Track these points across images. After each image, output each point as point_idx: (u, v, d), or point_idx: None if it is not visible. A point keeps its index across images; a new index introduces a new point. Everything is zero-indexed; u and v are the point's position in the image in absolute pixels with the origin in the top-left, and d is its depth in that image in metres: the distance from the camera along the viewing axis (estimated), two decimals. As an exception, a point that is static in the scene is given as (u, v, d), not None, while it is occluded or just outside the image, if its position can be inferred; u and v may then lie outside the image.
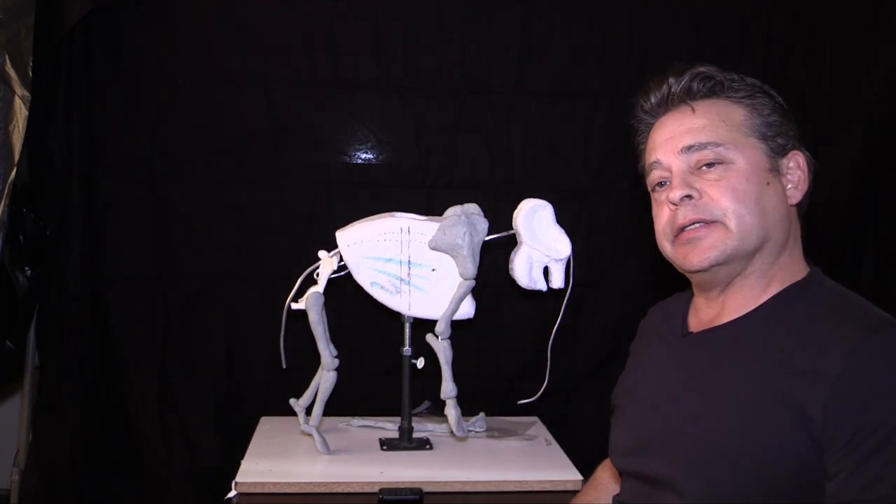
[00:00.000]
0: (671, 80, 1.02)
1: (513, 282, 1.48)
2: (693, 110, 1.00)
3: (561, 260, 1.47)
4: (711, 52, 2.05)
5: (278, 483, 1.49)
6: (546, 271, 1.49)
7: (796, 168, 0.99)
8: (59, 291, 1.91)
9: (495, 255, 1.81)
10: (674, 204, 0.98)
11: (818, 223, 2.08)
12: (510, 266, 1.48)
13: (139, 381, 2.00)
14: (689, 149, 0.98)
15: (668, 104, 1.03)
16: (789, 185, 0.98)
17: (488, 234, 1.54)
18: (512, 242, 1.50)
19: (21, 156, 1.68)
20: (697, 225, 0.96)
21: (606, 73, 2.04)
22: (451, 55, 2.01)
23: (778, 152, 0.98)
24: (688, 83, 1.01)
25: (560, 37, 2.02)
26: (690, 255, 0.98)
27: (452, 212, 1.53)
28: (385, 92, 2.01)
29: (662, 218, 1.02)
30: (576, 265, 1.47)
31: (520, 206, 1.48)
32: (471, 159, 2.04)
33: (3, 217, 1.66)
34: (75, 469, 1.94)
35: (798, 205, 1.00)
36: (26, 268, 1.82)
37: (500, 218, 1.58)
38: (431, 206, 1.98)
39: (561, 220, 1.49)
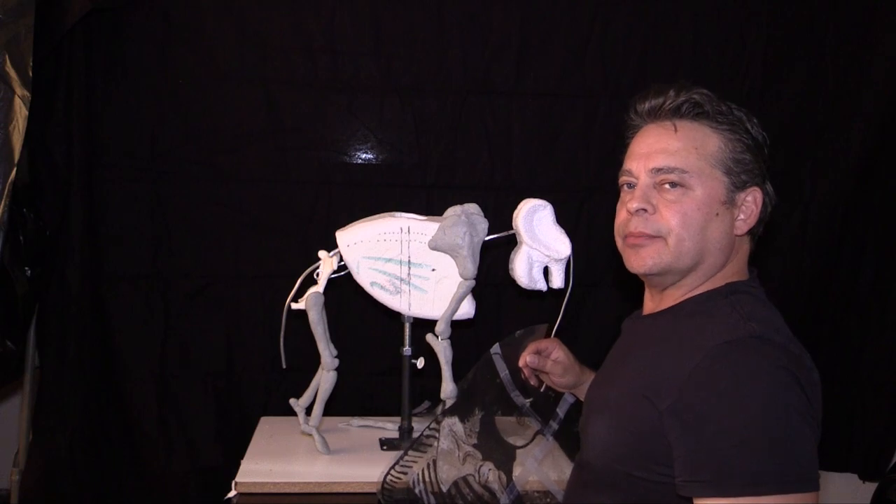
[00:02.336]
0: (669, 94, 1.11)
1: (513, 282, 1.48)
2: (675, 129, 1.09)
3: (561, 260, 1.47)
4: (711, 52, 2.05)
5: (278, 483, 1.49)
6: (546, 271, 1.49)
7: (752, 203, 1.08)
8: (59, 291, 1.91)
9: (495, 255, 1.81)
10: (630, 212, 1.10)
11: (818, 223, 2.10)
12: (510, 266, 1.48)
13: (139, 380, 2.00)
14: (658, 170, 1.08)
15: (656, 116, 1.12)
16: (740, 217, 1.08)
17: (488, 234, 1.54)
18: (512, 242, 1.50)
19: (21, 156, 1.68)
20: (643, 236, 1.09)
21: (606, 73, 2.04)
22: (451, 55, 2.01)
23: (739, 186, 1.07)
24: (679, 104, 1.10)
25: (560, 37, 2.02)
26: (632, 259, 1.11)
27: (452, 212, 1.53)
28: (385, 92, 2.01)
29: (620, 216, 1.15)
30: (576, 265, 1.47)
31: (520, 206, 1.48)
32: (471, 159, 2.04)
33: (3, 217, 1.66)
34: (75, 469, 1.94)
35: (750, 232, 1.10)
36: (26, 268, 1.82)
37: (500, 218, 1.58)
38: (431, 206, 1.98)
39: (561, 220, 1.49)
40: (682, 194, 1.06)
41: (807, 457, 0.91)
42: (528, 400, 1.40)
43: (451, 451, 1.35)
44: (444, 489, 1.33)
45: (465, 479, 1.34)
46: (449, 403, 1.53)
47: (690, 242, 1.06)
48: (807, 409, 0.92)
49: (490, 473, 1.34)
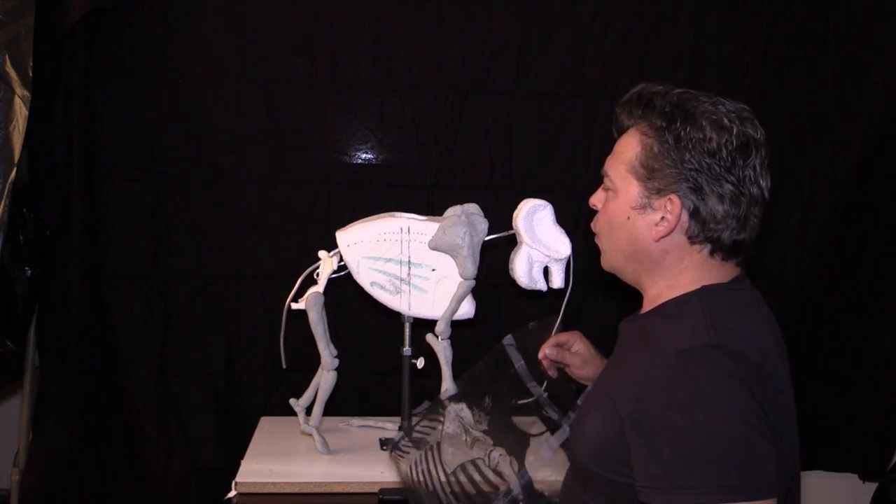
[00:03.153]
0: (622, 100, 1.13)
1: (513, 282, 1.48)
2: (618, 135, 1.14)
3: (561, 260, 1.47)
4: (711, 52, 2.05)
5: (278, 483, 1.49)
6: (546, 271, 1.49)
7: (667, 211, 1.04)
8: (59, 291, 1.91)
9: (495, 255, 1.81)
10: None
11: (818, 223, 2.10)
12: (510, 266, 1.48)
13: (139, 380, 2.00)
14: (603, 174, 1.14)
15: (615, 127, 1.16)
16: (657, 224, 1.05)
17: (488, 234, 1.54)
18: (512, 242, 1.50)
19: (21, 156, 1.68)
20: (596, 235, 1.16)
21: (606, 73, 2.04)
22: (451, 55, 2.01)
23: (654, 192, 1.05)
24: (619, 112, 1.13)
25: (560, 37, 2.02)
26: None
27: (452, 212, 1.53)
28: (385, 92, 2.01)
29: None
30: (576, 265, 1.47)
31: (520, 206, 1.48)
32: (471, 159, 2.04)
33: (3, 217, 1.66)
34: (75, 469, 1.95)
35: (707, 239, 1.05)
36: (26, 268, 1.82)
37: (500, 218, 1.58)
38: (431, 206, 1.98)
39: (561, 220, 1.49)
40: (610, 197, 1.11)
41: (760, 465, 0.91)
42: (544, 390, 1.40)
43: (457, 434, 1.36)
44: (449, 471, 1.33)
45: (473, 462, 1.34)
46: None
47: (610, 241, 1.11)
48: (760, 419, 0.92)
49: (501, 459, 1.34)
